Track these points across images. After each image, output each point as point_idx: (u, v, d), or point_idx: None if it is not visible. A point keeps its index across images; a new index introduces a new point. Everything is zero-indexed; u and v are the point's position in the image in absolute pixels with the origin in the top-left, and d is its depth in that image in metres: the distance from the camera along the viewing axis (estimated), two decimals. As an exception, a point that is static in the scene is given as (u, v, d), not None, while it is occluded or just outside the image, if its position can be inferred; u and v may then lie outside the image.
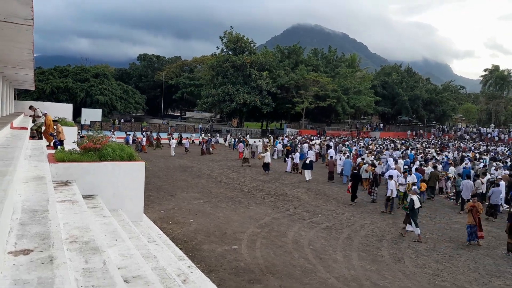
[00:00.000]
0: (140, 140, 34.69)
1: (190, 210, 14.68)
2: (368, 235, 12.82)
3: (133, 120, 67.16)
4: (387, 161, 23.65)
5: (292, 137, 44.44)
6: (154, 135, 38.70)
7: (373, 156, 25.33)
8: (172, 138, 34.87)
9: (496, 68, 73.07)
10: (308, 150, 29.52)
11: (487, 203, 16.54)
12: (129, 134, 37.94)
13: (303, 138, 41.83)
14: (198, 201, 16.29)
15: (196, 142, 41.72)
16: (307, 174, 22.48)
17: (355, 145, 35.54)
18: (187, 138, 39.73)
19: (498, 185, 15.99)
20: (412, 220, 12.70)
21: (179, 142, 37.81)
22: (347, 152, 27.46)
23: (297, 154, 26.02)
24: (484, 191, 17.39)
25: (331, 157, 26.33)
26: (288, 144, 34.79)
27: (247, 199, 17.13)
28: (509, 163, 25.13)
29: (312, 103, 53.61)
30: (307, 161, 23.01)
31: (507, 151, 36.82)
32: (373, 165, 20.68)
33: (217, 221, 13.34)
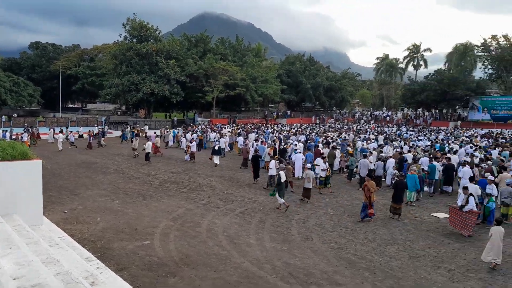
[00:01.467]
0: (20, 136, 31.04)
1: (97, 208, 13.88)
2: (279, 217, 13.39)
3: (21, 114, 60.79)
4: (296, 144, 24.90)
5: (203, 126, 44.25)
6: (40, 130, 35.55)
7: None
8: (59, 132, 32.26)
9: (386, 56, 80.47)
10: (220, 138, 29.79)
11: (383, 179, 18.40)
12: (6, 131, 33.70)
13: (206, 127, 41.80)
14: (105, 198, 15.47)
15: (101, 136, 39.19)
16: (216, 159, 24.06)
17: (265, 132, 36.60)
18: (89, 131, 37.00)
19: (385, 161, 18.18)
20: (278, 194, 14.21)
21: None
22: (260, 139, 28.28)
23: (194, 143, 26.12)
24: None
25: (241, 144, 27.21)
26: (200, 134, 34.62)
27: (158, 192, 16.72)
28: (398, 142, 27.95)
29: (222, 92, 53.80)
30: (216, 147, 24.73)
31: (395, 131, 40.94)
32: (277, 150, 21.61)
33: (126, 218, 12.82)
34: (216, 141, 28.08)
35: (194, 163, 24.78)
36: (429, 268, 9.48)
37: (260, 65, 63.81)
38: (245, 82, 55.42)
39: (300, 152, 21.43)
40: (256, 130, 38.31)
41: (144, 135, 37.42)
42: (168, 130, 36.65)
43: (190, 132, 34.55)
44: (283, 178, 14.53)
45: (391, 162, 18.62)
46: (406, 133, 37.52)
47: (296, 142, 26.12)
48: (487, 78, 60.60)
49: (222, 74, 53.20)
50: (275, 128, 43.11)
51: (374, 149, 23.32)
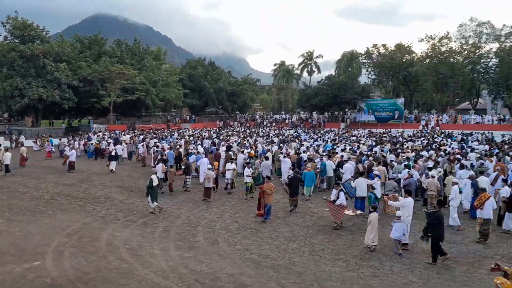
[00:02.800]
0: None
1: (-26, 230, 12.17)
2: (184, 224, 13.18)
3: None
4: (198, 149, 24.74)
5: (100, 134, 41.54)
6: None
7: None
8: None
9: (282, 63, 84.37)
10: (117, 145, 28.40)
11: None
12: None
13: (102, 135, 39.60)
14: (-15, 217, 13.64)
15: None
16: (112, 165, 23.86)
17: (170, 137, 35.74)
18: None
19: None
20: (150, 196, 14.34)
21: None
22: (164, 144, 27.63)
23: (73, 152, 24.44)
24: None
25: (142, 152, 26.79)
26: (97, 141, 32.47)
27: (50, 207, 15.26)
28: (298, 144, 29.46)
29: (119, 96, 51.16)
30: (113, 153, 24.56)
31: (294, 133, 43.19)
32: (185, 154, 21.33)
33: (12, 238, 11.47)
34: (112, 147, 26.86)
35: (90, 174, 23.14)
36: (328, 261, 10.16)
37: (160, 68, 62.21)
38: (144, 86, 53.50)
39: (205, 157, 21.38)
40: (156, 135, 37.22)
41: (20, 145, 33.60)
42: (41, 139, 33.80)
43: (77, 140, 32.40)
44: (155, 182, 14.50)
45: (286, 161, 19.60)
46: (304, 134, 39.78)
47: (196, 147, 26.08)
48: (371, 83, 67.34)
49: (119, 77, 50.60)
50: (179, 133, 42.38)
51: (274, 150, 24.23)
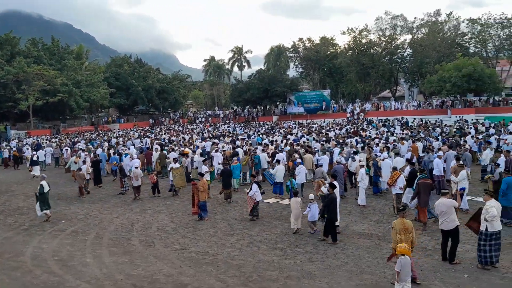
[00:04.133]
0: None
1: None
2: (118, 229, 12.68)
3: None
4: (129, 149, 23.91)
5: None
6: None
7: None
8: None
9: (212, 58, 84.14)
10: (39, 151, 26.64)
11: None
12: None
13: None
14: None
15: None
16: (35, 170, 23.26)
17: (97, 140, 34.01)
18: None
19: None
20: (40, 203, 13.58)
21: None
22: (91, 148, 26.31)
23: None
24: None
25: (66, 157, 25.45)
26: (15, 149, 30.00)
27: (-37, 224, 13.84)
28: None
29: (39, 99, 47.67)
30: (34, 158, 23.89)
31: (228, 128, 43.31)
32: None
33: None
34: (32, 152, 25.28)
35: (9, 184, 21.36)
36: (265, 251, 10.37)
37: (82, 68, 58.84)
38: (67, 87, 50.38)
39: (137, 157, 20.69)
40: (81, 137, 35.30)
41: None
42: None
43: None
44: (46, 188, 13.68)
45: (218, 156, 19.68)
46: (239, 129, 40.05)
47: (127, 148, 25.23)
48: (299, 76, 69.37)
49: (37, 79, 47.11)
50: (108, 134, 40.53)
51: (210, 146, 24.12)
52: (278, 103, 61.48)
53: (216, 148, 22.18)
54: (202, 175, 14.06)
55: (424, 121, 35.72)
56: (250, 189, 12.99)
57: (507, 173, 12.03)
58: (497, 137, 21.81)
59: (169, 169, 17.67)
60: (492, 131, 25.40)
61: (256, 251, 10.41)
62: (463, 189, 12.34)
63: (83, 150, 24.96)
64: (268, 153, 19.59)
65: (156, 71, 75.59)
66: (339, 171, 14.58)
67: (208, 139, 28.76)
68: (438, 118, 38.87)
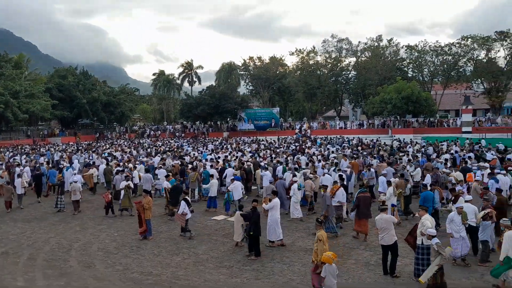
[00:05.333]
0: None
1: None
2: (54, 249, 11.88)
3: None
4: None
5: None
6: None
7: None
8: None
9: (162, 72, 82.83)
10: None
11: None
12: None
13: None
14: None
15: None
16: None
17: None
18: None
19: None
20: None
21: None
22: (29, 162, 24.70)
23: None
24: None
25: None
26: None
27: None
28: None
29: (-31, 109, 44.22)
30: None
31: (175, 143, 42.53)
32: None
33: None
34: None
35: None
36: (212, 270, 10.18)
37: (21, 77, 55.53)
38: (3, 97, 47.21)
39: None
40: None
41: None
42: None
43: None
44: None
45: (162, 172, 19.04)
46: (187, 145, 39.44)
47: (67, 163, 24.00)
48: (249, 93, 70.30)
49: (-31, 88, 43.76)
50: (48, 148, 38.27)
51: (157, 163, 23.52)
52: (228, 119, 61.65)
53: (163, 163, 21.75)
54: (147, 192, 13.62)
55: (364, 140, 37.31)
56: (179, 207, 12.80)
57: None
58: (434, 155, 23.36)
59: (121, 187, 16.45)
60: (430, 149, 27.09)
61: (202, 270, 10.19)
62: (394, 205, 13.06)
63: (18, 165, 23.31)
64: (217, 169, 19.45)
65: (102, 84, 73.11)
66: (280, 187, 14.93)
67: (156, 155, 28.08)
68: (379, 137, 40.86)
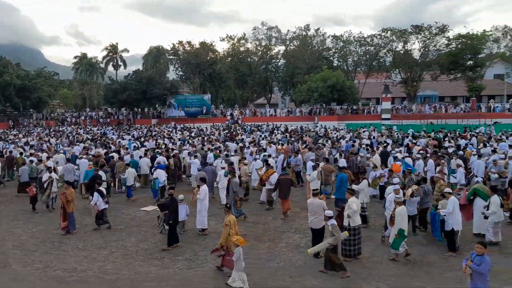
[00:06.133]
0: None
1: None
2: (-39, 250, 10.69)
3: None
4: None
5: None
6: None
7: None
8: None
9: (84, 56, 77.54)
10: None
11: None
12: None
13: None
14: None
15: None
16: None
17: None
18: None
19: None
20: None
21: None
22: None
23: None
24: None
25: None
26: None
27: None
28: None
29: None
30: None
31: (98, 131, 40.32)
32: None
33: None
34: None
35: None
36: (142, 262, 9.84)
37: None
38: None
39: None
40: None
41: None
42: None
43: None
44: None
45: (82, 162, 17.68)
46: (112, 133, 37.56)
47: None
48: (179, 79, 68.49)
49: None
50: None
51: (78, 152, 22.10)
52: (157, 105, 59.73)
53: (86, 152, 20.49)
54: (69, 183, 12.70)
55: (290, 128, 38.31)
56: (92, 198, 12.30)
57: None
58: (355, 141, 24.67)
59: (45, 179, 14.99)
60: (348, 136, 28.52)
61: (132, 262, 9.81)
62: (325, 193, 13.86)
63: None
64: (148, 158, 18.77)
65: (15, 67, 66.64)
66: (210, 174, 14.93)
67: (78, 143, 26.39)
68: (307, 124, 42.28)
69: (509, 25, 55.23)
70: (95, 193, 12.23)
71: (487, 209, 10.27)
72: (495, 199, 10.23)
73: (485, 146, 20.32)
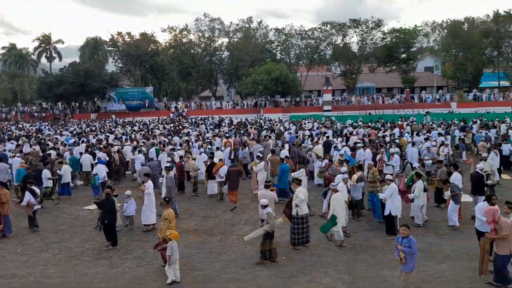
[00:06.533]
0: None
1: None
2: None
3: None
4: None
5: None
6: None
7: None
8: None
9: (13, 46, 71.97)
10: None
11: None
12: None
13: None
14: None
15: None
16: None
17: None
18: None
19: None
20: None
21: None
22: None
23: None
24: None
25: None
26: None
27: None
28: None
29: None
30: None
31: (30, 127, 37.87)
32: None
33: None
34: None
35: None
36: (88, 263, 9.48)
37: None
38: None
39: None
40: None
41: None
42: None
43: None
44: None
45: (15, 161, 16.48)
46: (47, 129, 35.40)
47: None
48: (119, 71, 65.87)
49: None
50: None
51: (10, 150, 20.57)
52: (96, 99, 57.14)
53: (19, 150, 19.09)
54: (2, 184, 11.80)
55: (235, 120, 38.49)
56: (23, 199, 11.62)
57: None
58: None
59: None
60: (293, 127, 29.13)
61: (77, 264, 9.42)
62: (275, 186, 13.95)
63: None
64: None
65: None
66: (153, 168, 14.71)
67: (10, 140, 24.57)
68: (255, 116, 42.61)
69: (437, 21, 59.31)
70: (27, 192, 11.54)
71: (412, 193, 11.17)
72: (419, 184, 11.19)
73: (418, 135, 21.71)
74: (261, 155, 15.91)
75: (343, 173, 11.55)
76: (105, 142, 22.25)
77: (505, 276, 7.67)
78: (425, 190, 11.37)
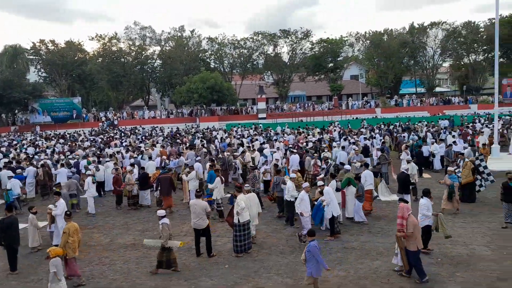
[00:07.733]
0: None
1: None
2: None
3: None
4: None
5: None
6: None
7: None
8: None
9: None
10: None
11: None
12: None
13: None
14: None
15: None
16: None
17: None
18: None
19: None
20: None
21: None
22: None
23: None
24: None
25: None
26: None
27: None
28: None
29: None
30: None
31: None
32: None
33: None
34: None
35: None
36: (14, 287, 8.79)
37: None
38: None
39: None
40: None
41: None
42: None
43: None
44: None
45: None
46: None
47: None
48: (42, 81, 61.71)
49: None
50: None
51: None
52: (17, 111, 53.01)
53: None
54: None
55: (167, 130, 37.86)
56: None
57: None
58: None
59: None
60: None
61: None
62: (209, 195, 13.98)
63: None
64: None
65: None
66: (71, 185, 14.43)
67: None
68: (190, 125, 42.15)
69: (360, 31, 63.30)
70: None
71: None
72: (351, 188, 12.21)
73: (345, 139, 22.93)
74: (191, 165, 15.96)
75: (291, 178, 12.19)
76: (25, 156, 20.79)
77: (421, 269, 8.29)
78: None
